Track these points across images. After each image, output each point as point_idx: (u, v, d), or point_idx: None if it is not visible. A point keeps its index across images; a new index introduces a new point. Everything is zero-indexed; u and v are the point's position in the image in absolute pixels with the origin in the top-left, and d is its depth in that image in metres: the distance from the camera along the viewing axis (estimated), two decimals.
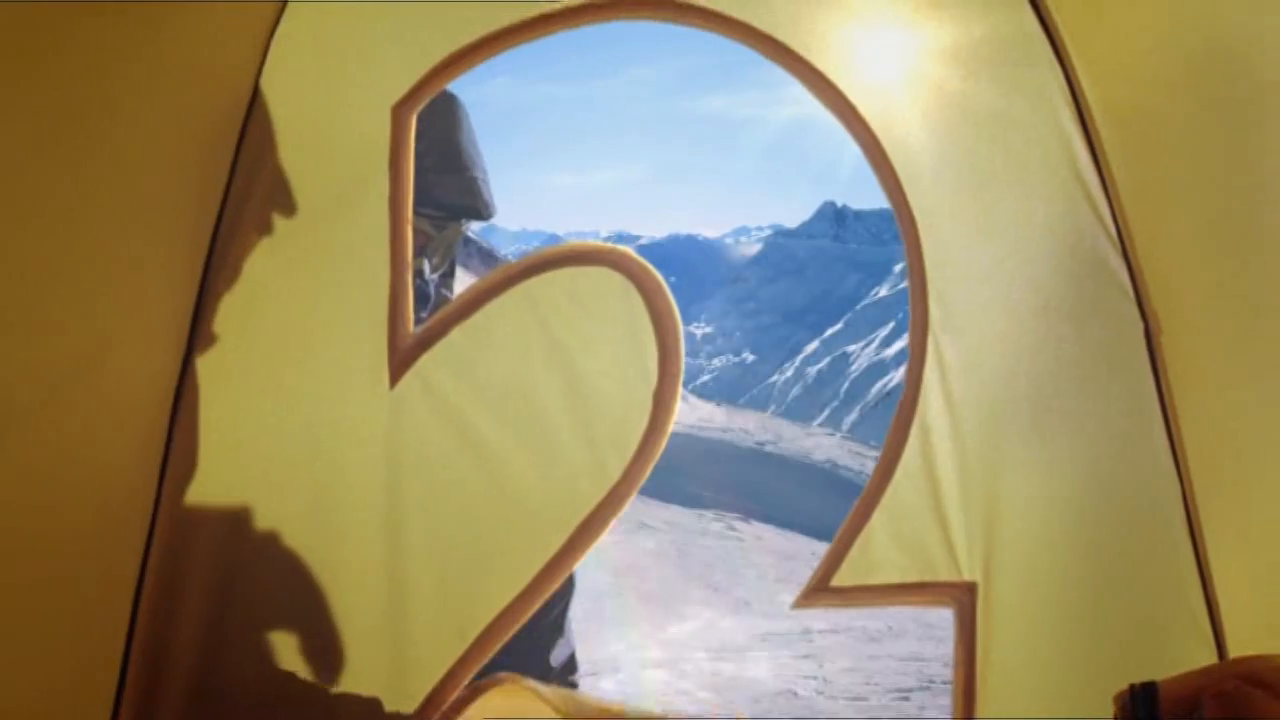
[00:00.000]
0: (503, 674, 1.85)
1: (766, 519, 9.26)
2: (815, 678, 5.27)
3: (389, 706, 1.97)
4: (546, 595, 1.89)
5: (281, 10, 1.86)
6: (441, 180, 2.23)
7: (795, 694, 5.04)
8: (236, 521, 1.95)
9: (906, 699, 4.87)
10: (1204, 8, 1.75)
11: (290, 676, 1.94)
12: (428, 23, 1.84)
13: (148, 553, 1.95)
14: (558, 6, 1.80)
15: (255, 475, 1.94)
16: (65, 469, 1.73)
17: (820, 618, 6.27)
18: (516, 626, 1.93)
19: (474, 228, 2.62)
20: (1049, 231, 1.91)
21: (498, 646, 1.93)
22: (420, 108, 1.84)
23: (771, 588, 6.90)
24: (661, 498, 8.95)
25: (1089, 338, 1.93)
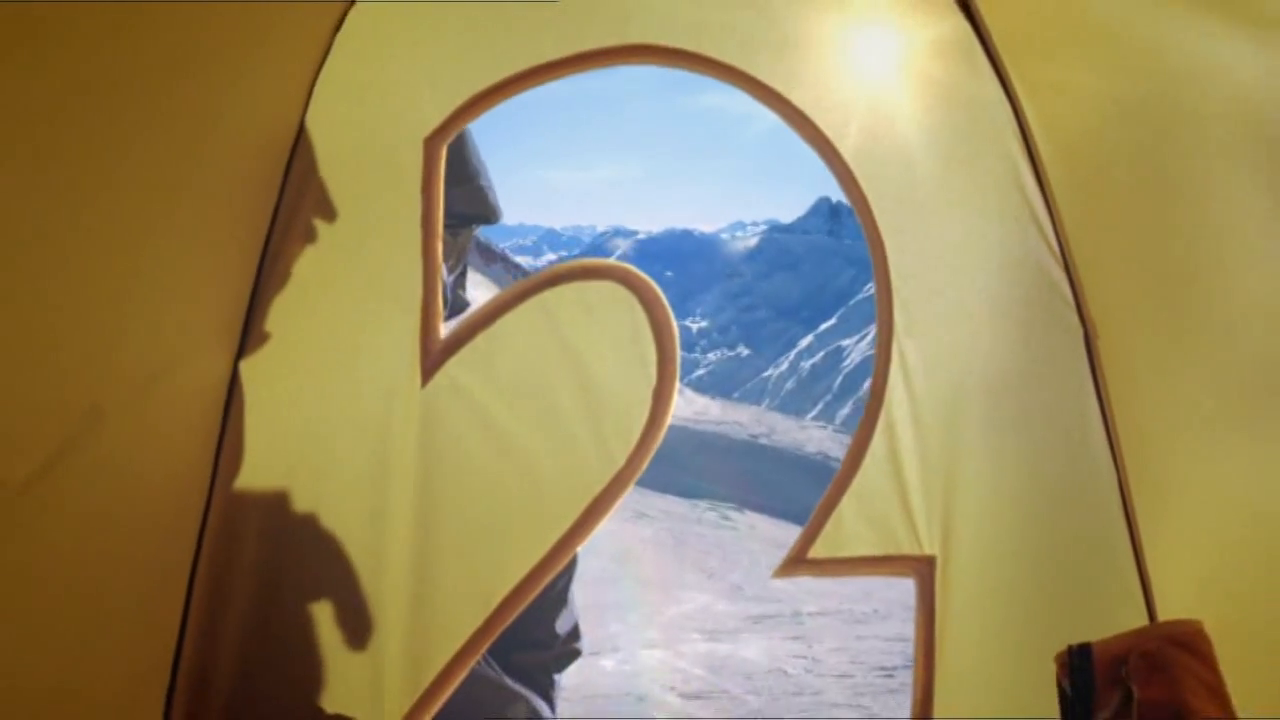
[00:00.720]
0: None
1: (760, 509, 9.52)
2: (805, 657, 5.51)
3: (413, 673, 2.23)
4: (559, 567, 2.14)
5: (326, 53, 2.11)
6: (453, 192, 2.46)
7: (785, 672, 5.28)
8: (281, 506, 2.20)
9: (890, 676, 5.13)
10: (1140, 47, 1.98)
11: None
12: (455, 67, 2.09)
13: (202, 537, 2.20)
14: (569, 54, 2.05)
15: (299, 463, 2.18)
16: (141, 463, 1.98)
17: (810, 602, 6.52)
18: (532, 595, 2.17)
19: None
20: (1000, 248, 2.16)
21: (516, 613, 2.18)
22: (449, 140, 2.09)
23: (764, 574, 7.14)
24: (658, 488, 9.18)
25: (1035, 342, 2.18)
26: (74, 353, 1.74)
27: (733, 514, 9.14)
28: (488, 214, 2.57)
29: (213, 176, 1.97)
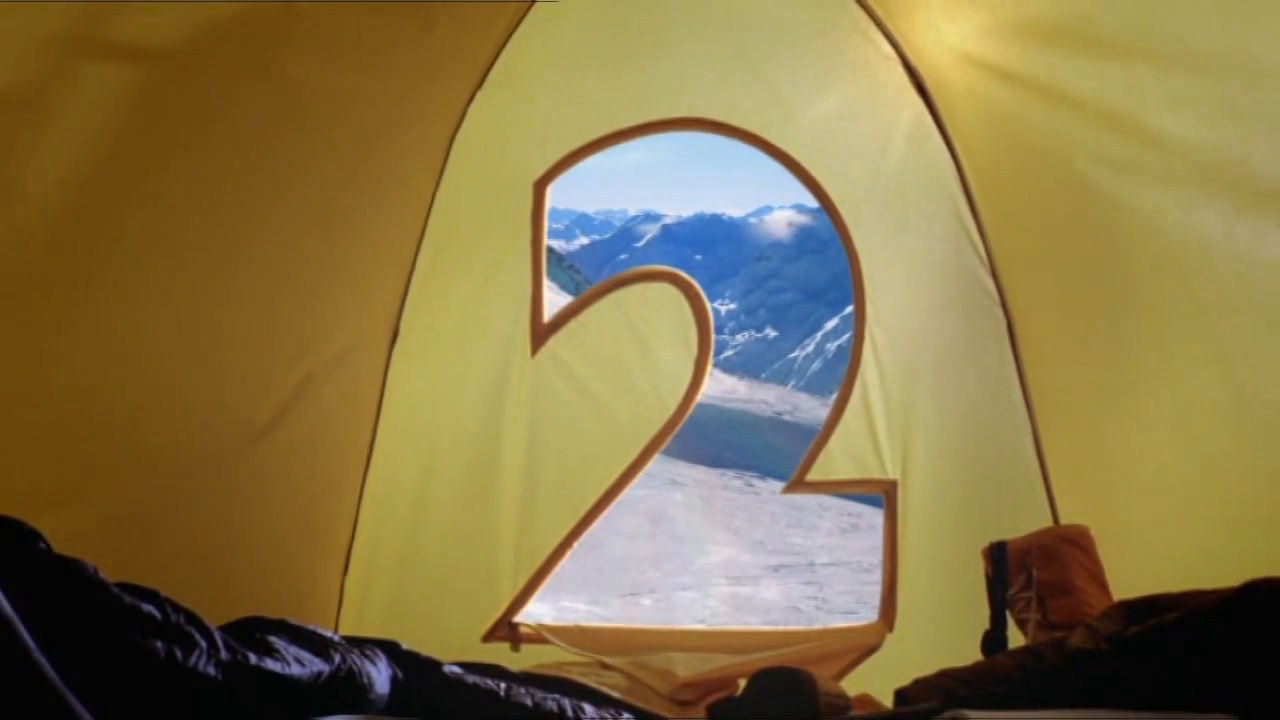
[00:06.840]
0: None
1: (782, 477, 10.18)
2: (816, 598, 6.26)
3: (518, 565, 3.04)
4: (629, 486, 2.97)
5: (463, 115, 2.92)
6: None
7: (799, 609, 6.06)
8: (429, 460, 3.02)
9: None
10: (1048, 121, 2.69)
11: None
12: (556, 131, 2.93)
13: (365, 477, 2.99)
14: (636, 123, 2.89)
15: (439, 414, 3.03)
16: (335, 414, 2.76)
17: (823, 555, 7.28)
18: (609, 508, 3.02)
19: None
20: (944, 260, 2.93)
21: (597, 520, 3.01)
22: (551, 184, 2.93)
23: (783, 531, 7.86)
24: (689, 459, 9.82)
25: (970, 327, 2.94)
26: (292, 334, 2.54)
27: (756, 481, 9.82)
28: None
29: (388, 192, 2.76)
